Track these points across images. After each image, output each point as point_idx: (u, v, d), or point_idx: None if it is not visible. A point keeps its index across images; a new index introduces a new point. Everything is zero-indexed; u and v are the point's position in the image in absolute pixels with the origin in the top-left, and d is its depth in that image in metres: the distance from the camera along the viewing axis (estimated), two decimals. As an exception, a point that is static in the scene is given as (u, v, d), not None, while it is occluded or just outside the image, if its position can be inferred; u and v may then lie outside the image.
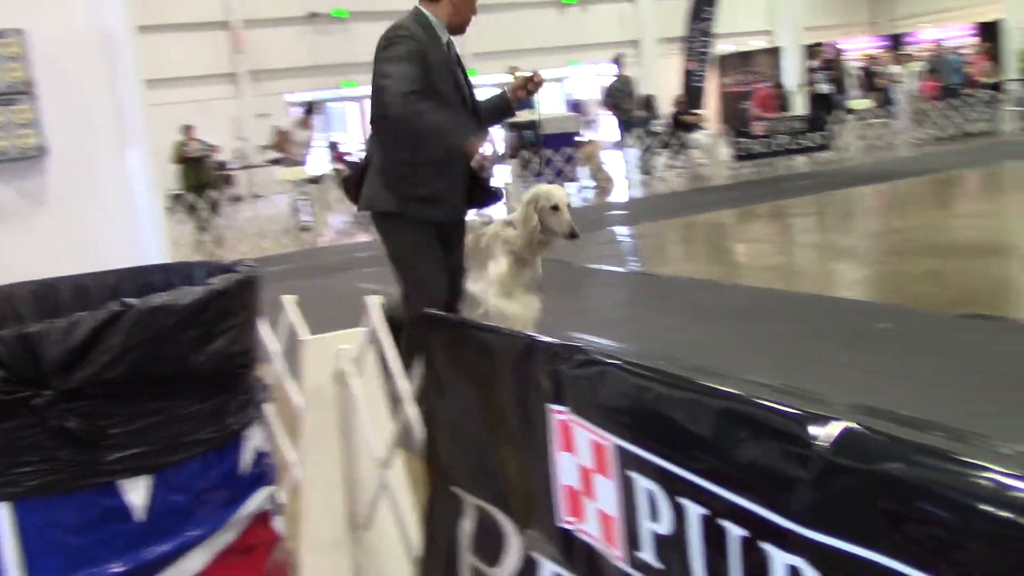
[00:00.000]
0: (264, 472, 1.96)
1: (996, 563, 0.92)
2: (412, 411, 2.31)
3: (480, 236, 4.59)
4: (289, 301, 2.96)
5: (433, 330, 2.04)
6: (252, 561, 1.90)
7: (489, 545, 1.81)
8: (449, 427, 2.02)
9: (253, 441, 1.91)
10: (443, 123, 3.89)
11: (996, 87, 19.35)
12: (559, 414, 1.55)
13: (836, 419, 1.13)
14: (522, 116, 14.83)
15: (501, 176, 15.20)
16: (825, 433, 1.11)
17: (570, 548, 1.56)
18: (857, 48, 25.38)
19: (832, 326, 5.54)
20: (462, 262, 4.33)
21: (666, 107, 17.35)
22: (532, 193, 4.51)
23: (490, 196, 4.28)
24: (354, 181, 4.27)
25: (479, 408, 1.88)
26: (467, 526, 1.89)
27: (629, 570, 1.42)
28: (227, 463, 1.85)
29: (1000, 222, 9.62)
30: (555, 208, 4.39)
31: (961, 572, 0.96)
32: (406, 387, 2.39)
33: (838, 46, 22.20)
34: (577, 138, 15.27)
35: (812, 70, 20.34)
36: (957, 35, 24.88)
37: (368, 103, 4.05)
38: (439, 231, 4.10)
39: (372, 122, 4.13)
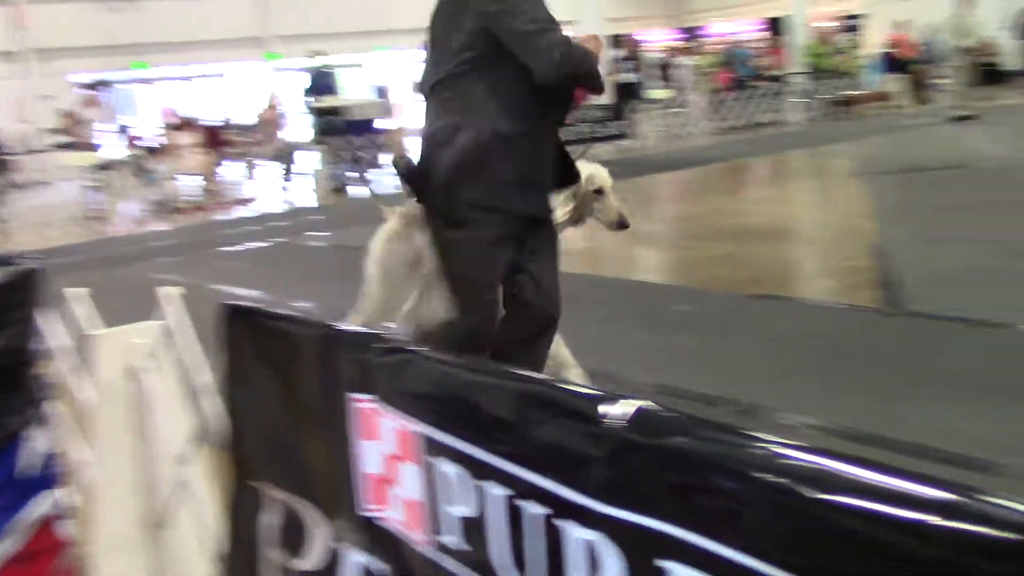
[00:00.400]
0: (48, 475, 1.85)
1: (774, 527, 0.99)
2: (212, 405, 2.24)
3: None
4: (78, 294, 2.81)
5: (234, 320, 1.98)
6: (37, 568, 1.79)
7: (294, 537, 1.78)
8: (252, 420, 1.97)
9: (35, 443, 1.80)
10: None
11: (781, 79, 20.54)
12: (361, 403, 1.54)
13: (630, 398, 1.17)
14: (326, 102, 14.58)
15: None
16: (620, 412, 1.15)
17: (375, 535, 1.56)
18: (655, 40, 26.37)
19: (633, 309, 5.75)
20: (556, 270, 3.47)
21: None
22: None
23: (573, 172, 3.54)
24: (417, 171, 3.38)
25: (283, 399, 1.84)
26: (271, 519, 1.85)
27: (434, 554, 1.43)
28: (5, 467, 1.74)
29: (785, 207, 10.23)
30: (599, 192, 3.67)
31: (745, 538, 1.01)
32: (206, 381, 2.31)
33: (638, 37, 23.01)
34: (382, 124, 15.15)
35: (617, 60, 20.98)
36: (747, 29, 26.25)
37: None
38: (520, 232, 3.32)
39: (448, 85, 3.24)
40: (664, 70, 21.75)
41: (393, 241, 3.89)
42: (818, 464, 0.94)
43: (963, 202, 8.19)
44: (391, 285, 3.91)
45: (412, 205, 4.07)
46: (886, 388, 3.83)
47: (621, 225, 3.68)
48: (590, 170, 3.69)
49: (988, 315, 4.58)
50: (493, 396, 1.33)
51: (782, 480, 0.95)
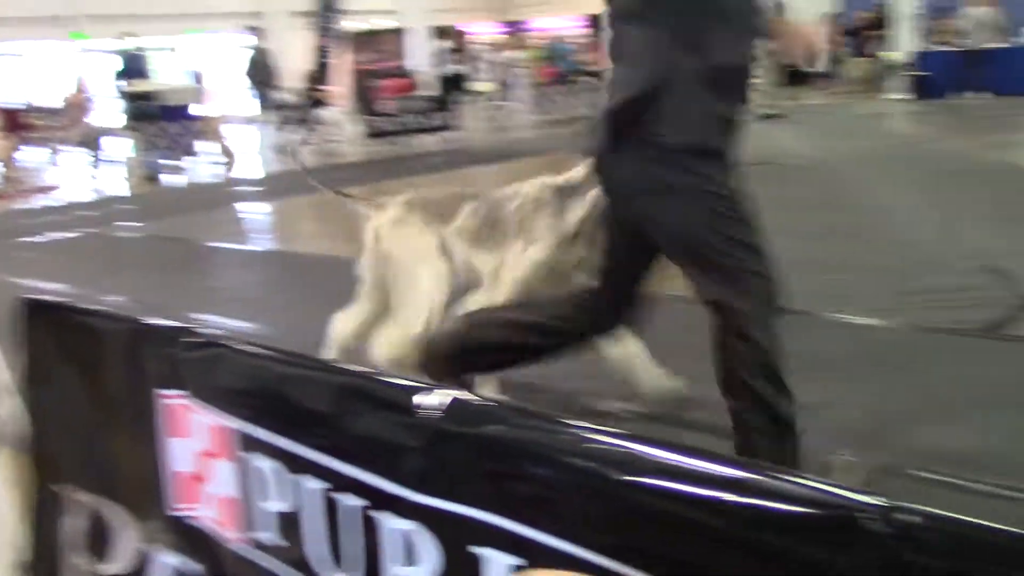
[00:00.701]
0: None
1: (584, 511, 1.02)
2: (11, 405, 2.11)
3: (503, 201, 3.16)
4: None
5: (35, 315, 1.88)
6: None
7: (101, 541, 1.71)
8: (56, 420, 1.87)
9: None
10: None
11: (602, 75, 21.13)
12: (169, 399, 1.49)
13: (445, 388, 1.18)
14: (138, 86, 13.96)
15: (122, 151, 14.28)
16: (436, 402, 1.16)
17: (187, 535, 1.51)
18: (480, 32, 26.58)
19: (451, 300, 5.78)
20: None
21: (297, 82, 17.14)
22: None
23: None
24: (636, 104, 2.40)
25: (88, 398, 1.76)
26: (75, 524, 1.77)
27: (249, 551, 1.40)
28: None
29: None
30: None
31: (557, 522, 1.04)
32: (4, 379, 2.18)
33: (463, 30, 23.15)
34: (197, 110, 14.64)
35: (442, 52, 21.02)
36: (569, 25, 26.81)
37: None
38: None
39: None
40: (489, 63, 21.96)
41: (399, 229, 3.39)
42: (624, 447, 0.97)
43: (772, 196, 8.61)
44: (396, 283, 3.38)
45: (417, 193, 3.51)
46: (704, 375, 3.99)
47: None
48: None
49: (795, 303, 4.85)
50: (308, 389, 1.32)
51: (591, 464, 0.99)
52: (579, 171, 3.04)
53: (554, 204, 3.11)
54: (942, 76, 16.53)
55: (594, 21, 25.41)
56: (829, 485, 0.83)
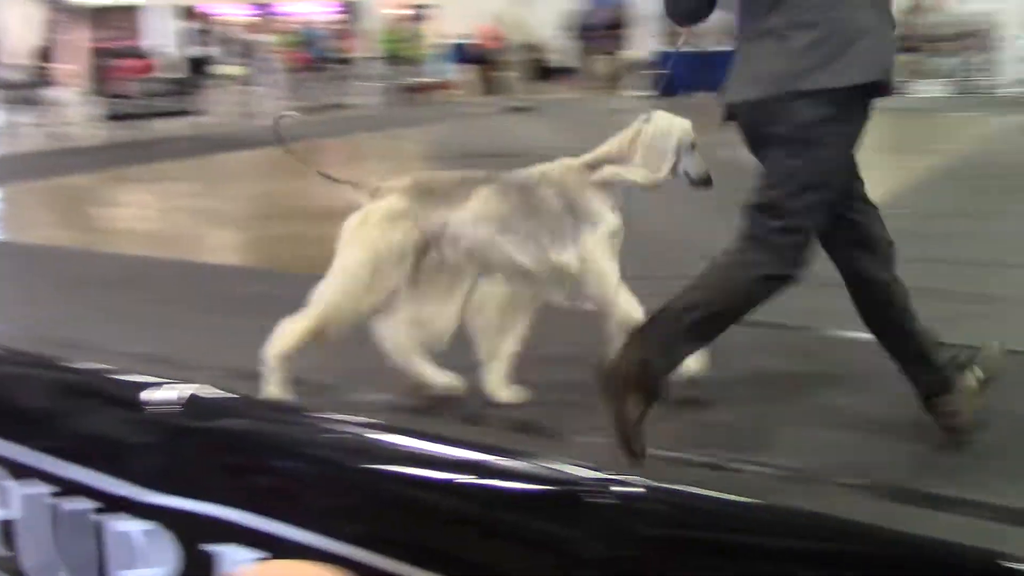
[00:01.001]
0: None
1: (324, 500, 1.01)
2: None
3: (532, 186, 3.16)
4: None
5: None
6: None
7: None
8: None
9: None
10: None
11: (355, 63, 20.95)
12: None
13: (182, 383, 1.14)
14: None
15: None
16: (168, 397, 1.12)
17: None
18: (229, 14, 25.64)
19: (203, 291, 5.57)
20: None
21: (24, 59, 15.91)
22: (664, 123, 3.16)
23: None
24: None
25: None
26: None
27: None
28: None
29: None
30: (694, 146, 3.19)
31: (298, 513, 1.03)
32: None
33: (209, 11, 22.27)
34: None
35: (189, 33, 20.18)
36: (322, 11, 26.37)
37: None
38: None
39: None
40: (240, 46, 21.31)
41: (393, 222, 3.14)
42: (360, 435, 0.98)
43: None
44: (373, 277, 3.09)
45: (418, 178, 3.36)
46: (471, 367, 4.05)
47: (709, 181, 3.27)
48: (685, 122, 3.28)
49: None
50: (30, 388, 1.23)
51: (329, 454, 0.98)
52: (602, 150, 3.10)
53: (589, 181, 3.11)
54: (680, 75, 17.58)
55: (347, 8, 25.16)
56: (555, 463, 0.87)
